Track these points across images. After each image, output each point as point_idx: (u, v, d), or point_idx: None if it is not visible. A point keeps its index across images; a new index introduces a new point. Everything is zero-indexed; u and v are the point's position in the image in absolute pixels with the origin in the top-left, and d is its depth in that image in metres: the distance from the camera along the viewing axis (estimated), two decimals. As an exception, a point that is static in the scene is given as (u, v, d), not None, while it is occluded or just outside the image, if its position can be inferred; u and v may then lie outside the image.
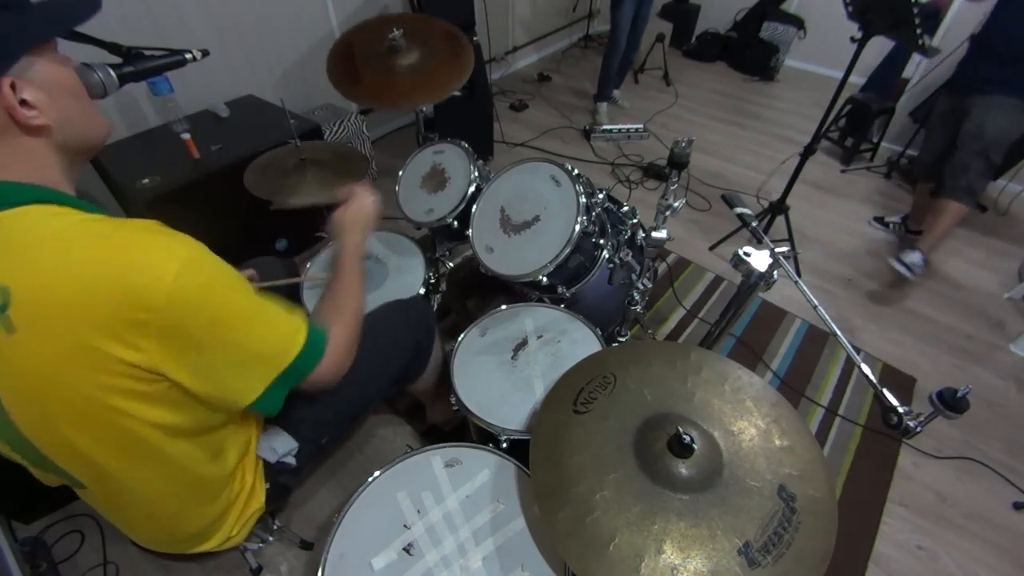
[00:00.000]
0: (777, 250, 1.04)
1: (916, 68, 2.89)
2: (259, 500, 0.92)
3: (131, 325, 0.57)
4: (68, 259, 0.56)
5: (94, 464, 0.69)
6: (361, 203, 1.02)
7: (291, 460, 0.96)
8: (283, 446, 0.94)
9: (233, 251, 1.31)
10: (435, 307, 1.57)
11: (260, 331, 0.69)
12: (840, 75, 1.83)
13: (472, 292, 1.90)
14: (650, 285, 1.57)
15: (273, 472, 0.94)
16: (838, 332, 0.89)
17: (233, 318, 0.65)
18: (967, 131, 1.96)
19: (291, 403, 0.98)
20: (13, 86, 0.55)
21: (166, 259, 0.58)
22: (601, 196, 1.33)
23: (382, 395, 1.20)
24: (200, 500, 0.81)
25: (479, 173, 1.49)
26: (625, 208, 1.52)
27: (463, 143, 1.56)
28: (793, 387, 1.79)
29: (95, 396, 0.60)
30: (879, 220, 2.52)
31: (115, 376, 0.59)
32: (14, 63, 0.56)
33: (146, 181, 1.65)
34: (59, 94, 0.61)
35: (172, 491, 0.76)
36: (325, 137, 2.26)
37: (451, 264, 1.76)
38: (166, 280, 0.57)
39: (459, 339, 1.26)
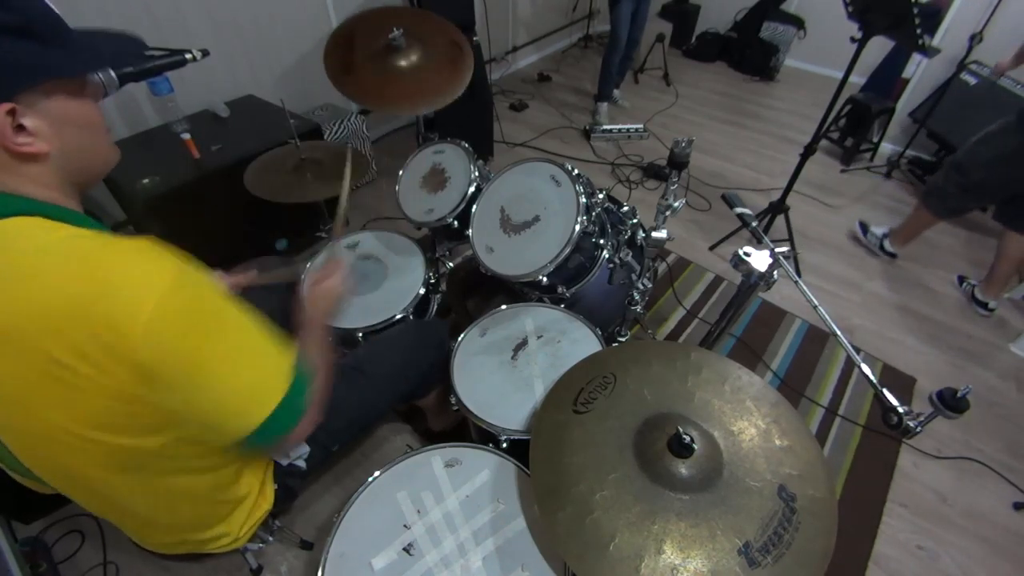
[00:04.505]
0: (777, 250, 1.04)
1: (916, 68, 2.89)
2: (268, 501, 0.92)
3: (104, 349, 0.54)
4: (42, 277, 0.54)
5: (83, 485, 0.68)
6: (336, 282, 0.96)
7: (302, 464, 0.96)
8: (296, 449, 0.95)
9: (233, 251, 1.32)
10: (435, 307, 1.57)
11: (241, 375, 0.63)
12: (840, 75, 1.83)
13: (472, 292, 1.90)
14: (650, 285, 1.57)
15: (282, 474, 0.95)
16: (838, 332, 0.89)
17: (213, 359, 0.60)
18: None
19: None
20: (14, 112, 0.54)
21: (147, 286, 0.55)
22: (601, 196, 1.33)
23: (393, 408, 1.21)
24: (200, 508, 0.80)
25: (479, 173, 1.48)
26: (625, 208, 1.52)
27: (463, 143, 1.56)
28: (793, 387, 1.79)
29: (71, 426, 0.58)
30: (863, 226, 2.42)
31: (90, 400, 0.57)
32: (18, 92, 0.54)
33: (146, 181, 1.65)
34: (66, 126, 0.59)
35: (168, 504, 0.75)
36: (325, 137, 2.26)
37: (451, 264, 1.76)
38: (144, 311, 0.54)
39: (459, 339, 1.26)
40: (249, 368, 0.65)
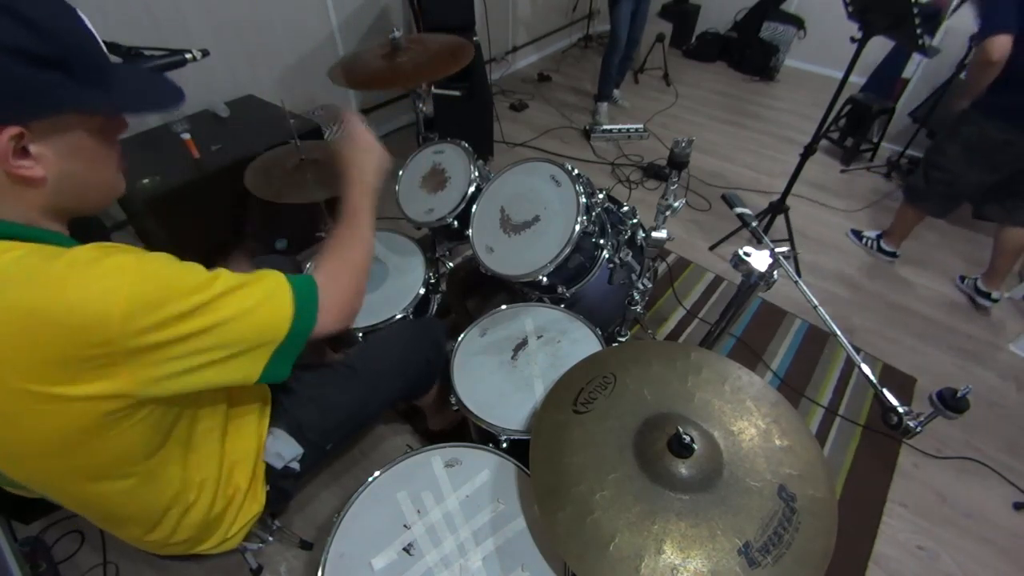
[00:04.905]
0: (777, 250, 1.04)
1: (916, 68, 2.89)
2: (259, 503, 0.91)
3: (85, 363, 0.53)
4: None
5: (66, 490, 0.68)
6: (369, 138, 1.01)
7: (295, 466, 0.96)
8: (289, 452, 0.94)
9: (233, 251, 1.32)
10: (435, 307, 1.57)
11: (241, 322, 0.64)
12: (840, 75, 1.83)
13: (472, 292, 1.91)
14: (650, 285, 1.57)
15: (275, 476, 0.94)
16: (838, 332, 0.89)
17: (205, 323, 0.61)
18: None
19: (299, 409, 0.98)
20: (21, 136, 0.53)
21: (110, 290, 0.53)
22: (601, 196, 1.33)
23: (389, 408, 1.22)
24: (186, 508, 0.79)
25: (479, 173, 1.48)
26: (625, 208, 1.52)
27: (463, 143, 1.56)
28: (793, 387, 1.79)
29: (49, 437, 0.58)
30: (856, 233, 2.45)
31: (71, 415, 0.56)
32: (33, 119, 0.53)
33: (146, 181, 1.65)
34: (73, 158, 0.59)
35: (153, 504, 0.75)
36: (325, 137, 2.26)
37: (451, 264, 1.76)
38: (114, 313, 0.53)
39: (459, 339, 1.26)
40: (247, 309, 0.65)
